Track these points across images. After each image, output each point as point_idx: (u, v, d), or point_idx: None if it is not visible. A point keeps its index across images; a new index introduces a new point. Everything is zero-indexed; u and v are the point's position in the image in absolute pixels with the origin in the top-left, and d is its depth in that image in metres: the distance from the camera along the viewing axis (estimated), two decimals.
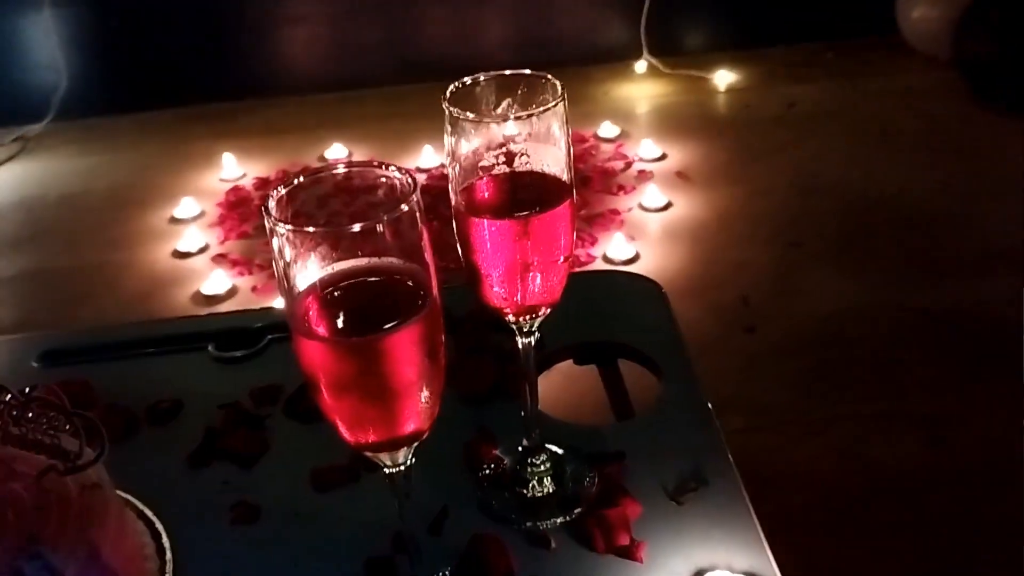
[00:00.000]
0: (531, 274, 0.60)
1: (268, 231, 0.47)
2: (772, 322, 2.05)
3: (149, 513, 0.75)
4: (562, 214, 0.60)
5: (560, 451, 0.76)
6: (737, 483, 0.73)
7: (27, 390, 0.65)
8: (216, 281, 2.28)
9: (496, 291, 0.61)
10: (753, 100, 3.27)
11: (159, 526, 0.74)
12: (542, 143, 0.60)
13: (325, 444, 0.82)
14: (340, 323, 0.47)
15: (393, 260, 0.48)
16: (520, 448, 0.75)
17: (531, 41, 3.68)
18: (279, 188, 0.47)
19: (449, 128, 0.59)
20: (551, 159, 0.61)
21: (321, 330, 0.47)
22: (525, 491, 0.73)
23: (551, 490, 0.74)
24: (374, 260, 0.48)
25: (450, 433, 0.79)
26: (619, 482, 0.74)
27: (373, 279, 0.47)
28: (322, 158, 3.04)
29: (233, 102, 3.56)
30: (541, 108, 0.58)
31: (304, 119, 3.47)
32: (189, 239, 2.53)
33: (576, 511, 0.71)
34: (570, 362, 0.96)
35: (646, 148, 2.86)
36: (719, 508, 0.71)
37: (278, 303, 0.57)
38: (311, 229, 0.45)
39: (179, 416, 0.89)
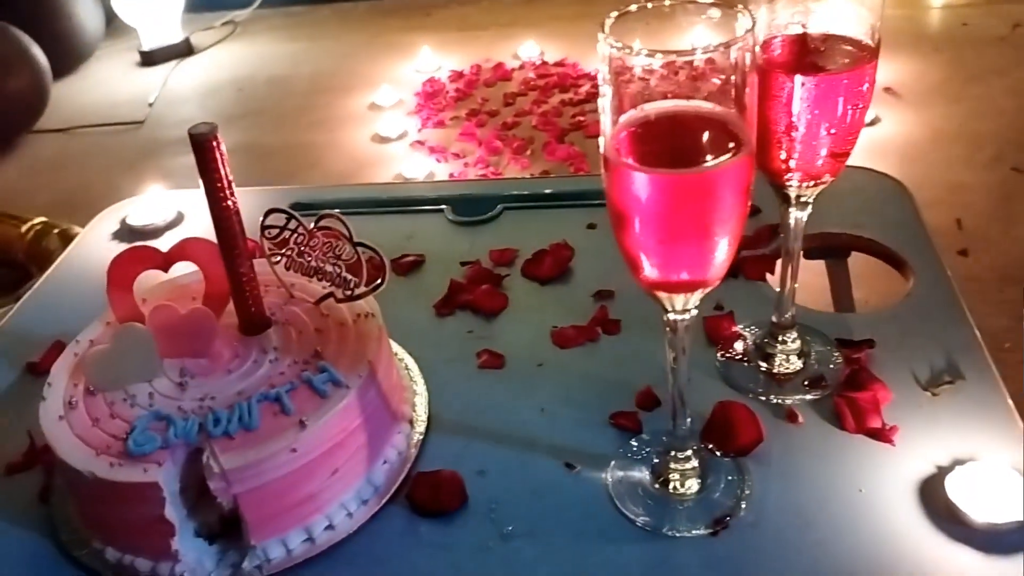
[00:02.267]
0: (826, 138, 0.59)
1: (601, 56, 0.47)
2: (987, 247, 1.93)
3: (403, 352, 0.80)
4: (866, 75, 0.57)
5: (807, 333, 0.75)
6: (996, 380, 0.70)
7: (316, 220, 0.69)
8: (416, 164, 2.35)
9: (784, 155, 0.60)
10: (972, 18, 3.03)
11: (412, 363, 0.79)
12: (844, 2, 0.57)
13: (563, 305, 0.85)
14: (659, 156, 0.47)
15: (713, 105, 0.47)
16: (771, 324, 0.74)
17: None
18: (612, 13, 0.47)
19: None
20: (853, 19, 0.58)
21: (639, 161, 0.47)
22: (771, 367, 0.73)
23: (798, 368, 0.73)
24: (695, 102, 0.47)
25: None
26: (866, 368, 0.73)
27: (694, 117, 0.47)
28: (516, 55, 3.05)
29: None
30: None
31: (497, 16, 3.48)
32: (388, 125, 2.61)
33: (824, 391, 0.71)
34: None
35: None
36: (977, 403, 0.69)
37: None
38: (645, 54, 0.44)
39: (422, 269, 0.93)
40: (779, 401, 0.71)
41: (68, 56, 3.19)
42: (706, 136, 0.48)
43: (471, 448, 0.70)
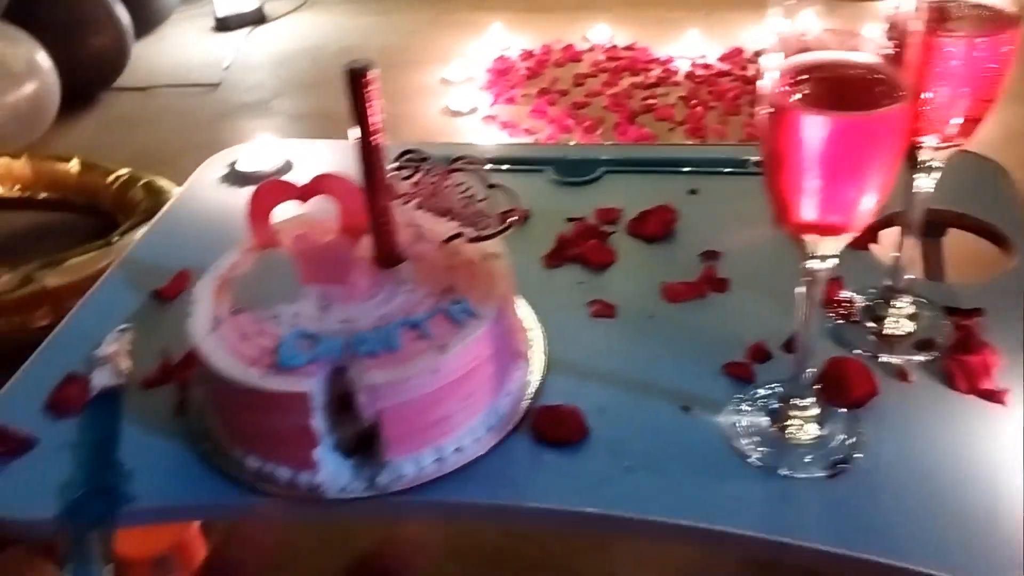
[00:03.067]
0: (963, 101, 0.60)
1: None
2: None
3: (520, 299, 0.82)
4: (1007, 40, 0.59)
5: (917, 299, 0.77)
6: None
7: (451, 161, 0.72)
8: (488, 139, 2.38)
9: (925, 116, 0.62)
10: None
11: (526, 309, 0.81)
12: None
13: (670, 263, 0.88)
14: (824, 99, 0.50)
15: (873, 56, 0.50)
16: (883, 288, 0.76)
17: None
18: None
19: None
20: None
21: (805, 103, 0.50)
22: (881, 328, 0.75)
23: (908, 330, 0.75)
24: (856, 53, 0.49)
25: (795, 271, 0.81)
26: (975, 334, 0.74)
27: (857, 66, 0.49)
28: (585, 38, 3.06)
29: None
30: None
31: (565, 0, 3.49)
32: (459, 99, 2.64)
33: (934, 354, 0.73)
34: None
35: None
36: None
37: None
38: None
39: (528, 224, 0.96)
40: (890, 360, 0.73)
41: (146, 18, 3.26)
42: (869, 83, 0.50)
43: (588, 388, 0.73)
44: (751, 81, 2.66)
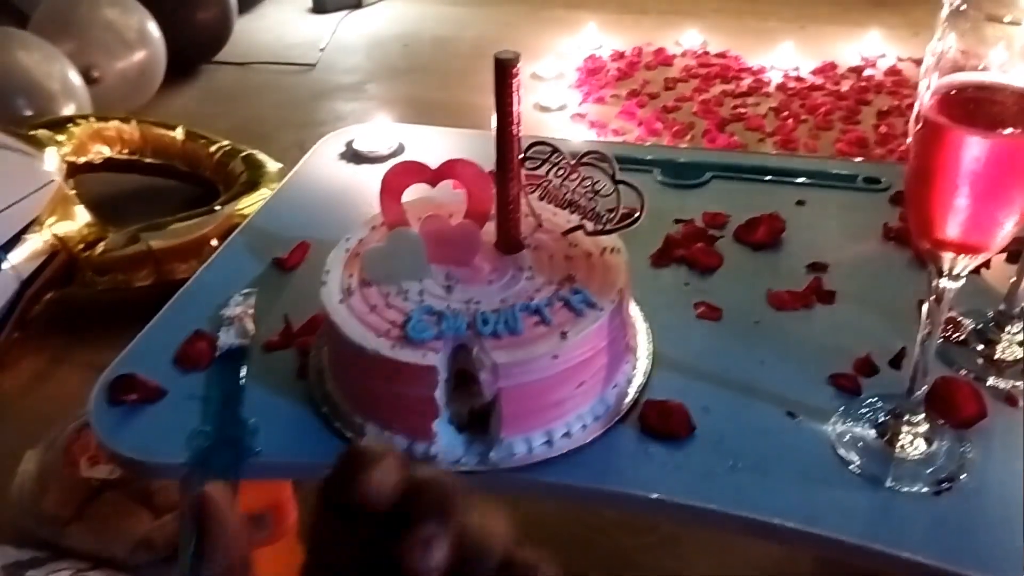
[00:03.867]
0: None
1: (941, 21, 0.51)
2: None
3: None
4: None
5: None
6: None
7: (580, 155, 0.75)
8: (577, 137, 2.40)
9: None
10: None
11: (633, 306, 0.83)
12: None
13: (777, 271, 0.89)
14: (980, 120, 0.51)
15: None
16: (997, 313, 0.76)
17: None
18: None
19: None
20: None
21: (962, 123, 0.51)
22: (992, 352, 0.76)
23: (1019, 356, 0.75)
24: (1011, 76, 0.50)
25: (903, 288, 0.82)
26: None
27: (1010, 91, 0.50)
28: (677, 43, 3.06)
29: None
30: None
31: (659, 3, 3.49)
32: (550, 95, 2.66)
33: None
34: None
35: None
36: None
37: None
38: (995, 17, 0.48)
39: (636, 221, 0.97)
40: (998, 384, 0.73)
41: None
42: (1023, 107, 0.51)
43: (694, 386, 0.75)
44: (844, 96, 2.63)
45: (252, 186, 1.87)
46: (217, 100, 2.83)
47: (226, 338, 0.82)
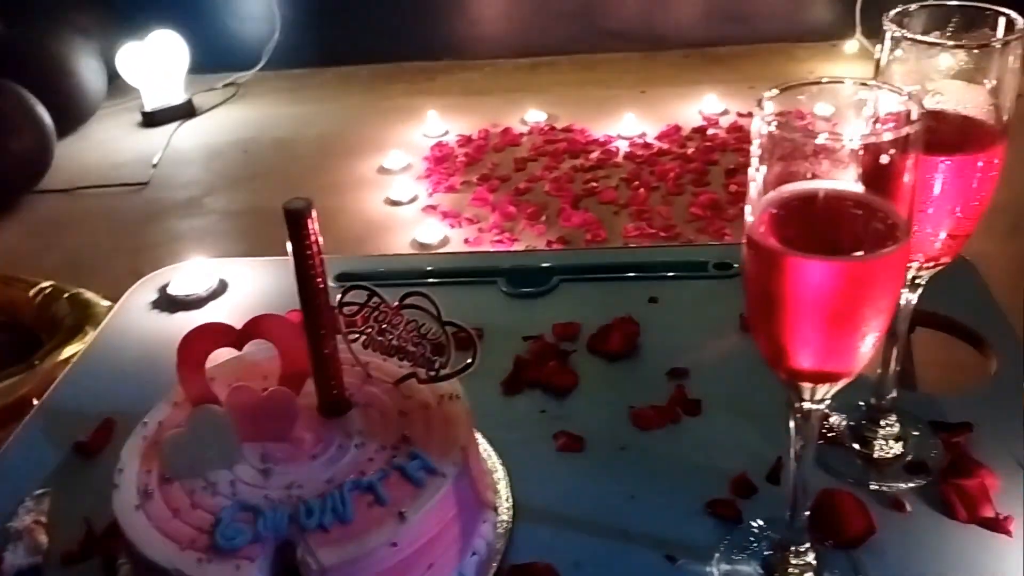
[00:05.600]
0: (951, 219, 0.57)
1: (755, 131, 0.45)
2: None
3: (478, 435, 0.76)
4: (996, 156, 0.56)
5: (902, 416, 0.73)
6: None
7: (400, 297, 0.67)
8: (430, 229, 2.33)
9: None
10: None
11: (486, 444, 0.75)
12: (971, 80, 0.56)
13: (636, 383, 0.82)
14: (815, 241, 0.45)
15: (866, 191, 0.45)
16: (868, 407, 0.72)
17: (730, 14, 3.59)
18: (772, 89, 0.45)
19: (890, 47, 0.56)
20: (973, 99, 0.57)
21: (792, 245, 0.45)
22: (869, 451, 0.71)
23: (897, 452, 0.70)
24: (846, 184, 0.45)
25: (775, 389, 0.77)
26: (967, 453, 0.70)
27: (850, 202, 0.45)
28: (523, 121, 3.06)
29: (430, 62, 3.63)
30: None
31: (500, 82, 3.51)
32: (399, 189, 2.60)
33: (927, 478, 0.68)
34: None
35: None
36: None
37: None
38: (811, 133, 0.42)
39: (483, 344, 0.90)
40: (882, 488, 0.68)
41: (70, 116, 3.17)
42: (864, 221, 0.46)
43: (562, 538, 0.67)
44: (691, 159, 2.67)
45: (77, 331, 1.71)
46: (41, 232, 2.63)
47: (13, 558, 0.69)
